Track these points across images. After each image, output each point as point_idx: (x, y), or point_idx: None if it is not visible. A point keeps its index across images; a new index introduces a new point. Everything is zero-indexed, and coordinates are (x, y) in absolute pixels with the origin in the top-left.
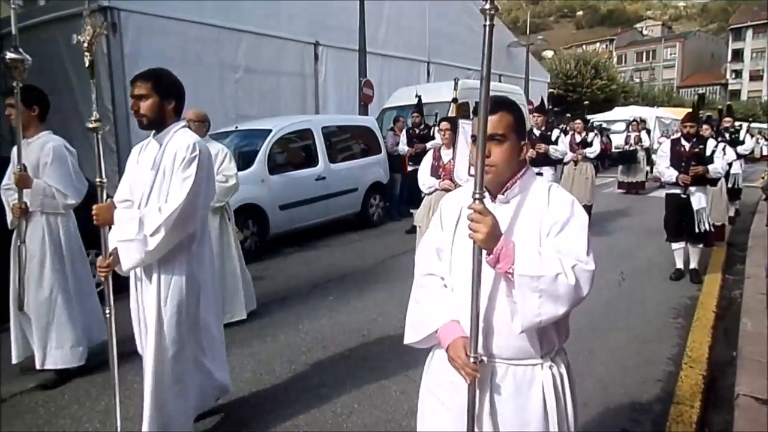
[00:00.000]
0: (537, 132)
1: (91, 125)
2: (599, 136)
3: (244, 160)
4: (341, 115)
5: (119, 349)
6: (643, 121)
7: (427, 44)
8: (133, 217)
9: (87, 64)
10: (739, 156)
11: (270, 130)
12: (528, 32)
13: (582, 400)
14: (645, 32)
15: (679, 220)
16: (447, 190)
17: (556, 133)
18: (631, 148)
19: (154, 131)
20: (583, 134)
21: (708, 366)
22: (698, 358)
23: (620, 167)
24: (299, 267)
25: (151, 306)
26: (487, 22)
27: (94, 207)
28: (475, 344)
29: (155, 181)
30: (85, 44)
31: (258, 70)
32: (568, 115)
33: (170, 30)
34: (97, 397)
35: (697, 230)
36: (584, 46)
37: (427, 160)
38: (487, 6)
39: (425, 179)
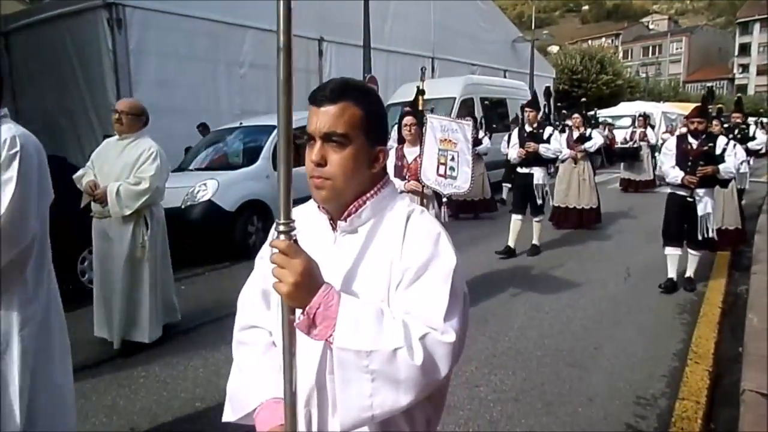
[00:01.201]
0: (528, 128)
1: None
2: (600, 129)
3: (249, 157)
4: None
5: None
6: (648, 116)
7: (432, 40)
8: None
9: None
10: (750, 153)
11: (275, 126)
12: (533, 27)
13: (588, 395)
14: (651, 27)
15: (681, 224)
16: (414, 192)
17: (548, 130)
18: (635, 145)
19: None
20: (581, 129)
21: (714, 362)
22: (704, 354)
23: (623, 164)
24: None
25: None
26: None
27: None
28: None
29: None
30: None
31: (263, 66)
32: (564, 111)
33: (175, 26)
34: (104, 391)
35: (699, 237)
36: (590, 41)
37: (390, 161)
38: None
39: None
